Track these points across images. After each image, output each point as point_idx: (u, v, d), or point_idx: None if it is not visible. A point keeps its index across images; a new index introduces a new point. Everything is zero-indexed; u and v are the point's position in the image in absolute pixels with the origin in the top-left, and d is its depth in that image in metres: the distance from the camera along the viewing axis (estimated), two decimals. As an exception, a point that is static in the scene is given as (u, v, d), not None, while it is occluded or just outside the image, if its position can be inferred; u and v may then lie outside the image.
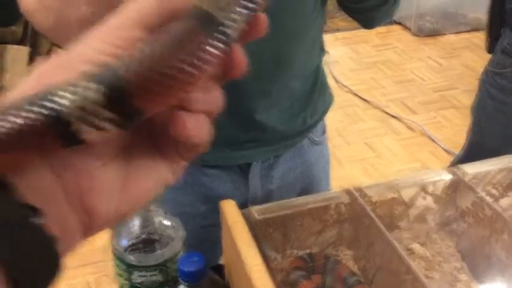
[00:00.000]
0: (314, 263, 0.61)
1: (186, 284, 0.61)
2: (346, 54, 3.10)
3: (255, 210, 0.61)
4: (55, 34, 0.62)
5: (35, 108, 0.21)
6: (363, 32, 2.88)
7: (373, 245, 0.59)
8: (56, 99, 0.22)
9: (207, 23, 0.24)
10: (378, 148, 2.34)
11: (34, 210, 0.23)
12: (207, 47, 0.23)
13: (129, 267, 0.63)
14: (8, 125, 0.21)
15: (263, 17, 0.26)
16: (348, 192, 0.62)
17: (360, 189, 0.62)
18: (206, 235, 0.83)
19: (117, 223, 0.30)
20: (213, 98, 0.27)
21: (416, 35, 3.25)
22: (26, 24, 2.27)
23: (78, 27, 0.56)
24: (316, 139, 0.94)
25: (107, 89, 0.22)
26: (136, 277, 0.63)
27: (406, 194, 0.65)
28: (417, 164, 2.24)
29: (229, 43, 0.25)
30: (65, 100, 0.22)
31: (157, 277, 0.64)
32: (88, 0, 0.52)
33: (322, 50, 0.90)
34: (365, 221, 0.60)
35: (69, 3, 0.54)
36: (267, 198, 0.88)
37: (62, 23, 0.57)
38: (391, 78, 2.87)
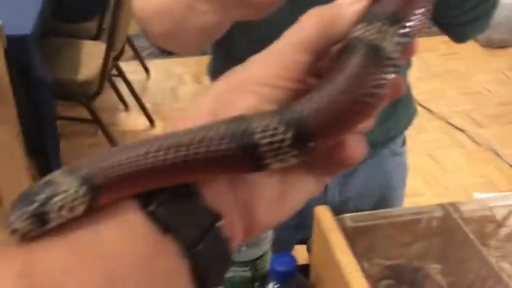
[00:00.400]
0: (403, 274, 0.62)
1: (275, 282, 0.63)
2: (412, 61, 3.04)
3: (348, 218, 0.62)
4: (167, 41, 0.63)
5: (238, 141, 0.25)
6: (429, 40, 2.82)
7: (466, 261, 0.59)
8: (253, 135, 0.25)
9: (377, 56, 0.26)
10: (441, 160, 2.29)
11: (217, 215, 0.26)
12: (382, 80, 0.25)
13: (222, 262, 0.66)
14: (211, 149, 0.25)
15: (415, 42, 0.28)
16: (442, 206, 0.63)
17: (453, 205, 0.63)
18: (281, 236, 0.85)
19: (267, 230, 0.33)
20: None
21: (485, 46, 3.15)
22: (101, 21, 2.39)
23: (196, 36, 0.58)
24: (397, 150, 0.94)
25: (294, 131, 0.24)
26: (228, 272, 0.66)
27: (499, 212, 0.65)
28: (482, 179, 2.18)
29: (398, 71, 0.26)
30: (259, 136, 0.25)
31: (247, 273, 0.67)
32: (216, 10, 0.53)
33: (408, 61, 0.90)
34: (458, 236, 0.60)
35: (192, 11, 0.54)
36: (343, 205, 0.89)
37: (179, 30, 0.57)
38: (457, 89, 2.80)
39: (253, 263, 0.67)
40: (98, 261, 0.23)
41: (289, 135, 0.24)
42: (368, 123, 0.29)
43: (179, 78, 2.93)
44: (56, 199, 0.24)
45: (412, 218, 0.63)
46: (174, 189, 0.25)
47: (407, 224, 0.63)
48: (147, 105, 2.56)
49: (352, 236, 0.64)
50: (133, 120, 2.57)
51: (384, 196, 0.94)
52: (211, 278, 0.26)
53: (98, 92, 2.01)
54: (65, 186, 0.25)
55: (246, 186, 0.27)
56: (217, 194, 0.26)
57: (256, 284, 0.65)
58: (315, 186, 0.30)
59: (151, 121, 2.53)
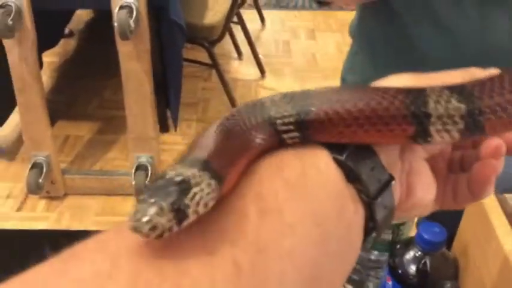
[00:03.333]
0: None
1: (420, 249, 0.62)
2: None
3: (510, 198, 0.60)
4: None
5: (412, 107, 0.26)
6: None
7: None
8: (428, 102, 0.26)
9: None
10: None
11: (392, 176, 0.29)
12: None
13: (366, 221, 0.66)
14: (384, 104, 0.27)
15: None
16: None
17: None
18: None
19: (410, 216, 0.36)
20: None
21: None
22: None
23: None
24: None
25: (467, 104, 0.26)
26: (369, 231, 0.67)
27: None
28: None
29: None
30: (432, 104, 0.26)
31: (388, 236, 0.67)
32: None
33: None
34: None
35: None
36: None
37: None
38: None
39: (396, 227, 0.66)
40: (305, 197, 0.26)
41: (462, 106, 0.26)
42: None
43: (293, 32, 2.91)
44: (192, 193, 0.23)
45: None
46: (356, 147, 0.27)
47: None
48: (259, 55, 2.58)
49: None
50: (245, 70, 2.61)
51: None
52: (378, 232, 0.29)
53: (220, 38, 2.05)
54: (196, 179, 0.23)
55: (411, 160, 0.30)
56: (391, 160, 0.29)
57: (398, 247, 0.65)
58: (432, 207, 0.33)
59: (262, 72, 2.56)
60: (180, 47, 1.76)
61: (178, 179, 0.23)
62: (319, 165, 0.26)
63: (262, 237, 0.24)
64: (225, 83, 2.20)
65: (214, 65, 2.15)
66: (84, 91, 2.35)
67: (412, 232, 0.68)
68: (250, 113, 0.28)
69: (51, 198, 1.83)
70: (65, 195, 1.85)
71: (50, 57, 2.44)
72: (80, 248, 0.23)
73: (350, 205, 0.27)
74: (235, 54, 2.66)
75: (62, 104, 2.23)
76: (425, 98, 0.26)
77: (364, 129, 0.26)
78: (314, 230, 0.25)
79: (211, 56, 2.11)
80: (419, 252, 0.62)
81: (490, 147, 0.30)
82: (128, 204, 1.82)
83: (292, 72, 2.61)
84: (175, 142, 2.12)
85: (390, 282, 0.64)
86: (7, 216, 1.76)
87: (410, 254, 0.63)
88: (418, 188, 0.31)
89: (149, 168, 1.78)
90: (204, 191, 0.23)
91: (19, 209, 1.80)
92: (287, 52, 2.76)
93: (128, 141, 1.86)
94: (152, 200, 0.22)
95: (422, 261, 0.62)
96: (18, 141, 2.03)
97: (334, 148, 0.27)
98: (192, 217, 0.23)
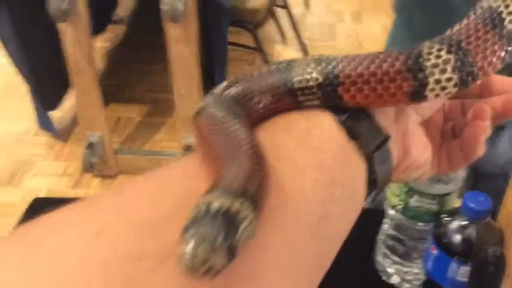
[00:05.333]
0: None
1: (465, 218, 0.63)
2: None
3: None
4: None
5: (410, 64, 0.28)
6: None
7: None
8: (421, 57, 0.28)
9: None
10: None
11: (388, 136, 0.31)
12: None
13: (411, 191, 0.67)
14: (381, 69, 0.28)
15: None
16: None
17: None
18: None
19: (409, 177, 0.37)
20: None
21: None
22: None
23: None
24: None
25: (456, 55, 0.28)
26: (414, 201, 0.68)
27: None
28: None
29: None
30: (429, 63, 0.28)
31: (434, 206, 0.68)
32: None
33: None
34: None
35: None
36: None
37: None
38: None
39: (441, 198, 0.67)
40: (312, 149, 0.28)
41: (452, 58, 0.28)
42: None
43: (338, 15, 2.88)
44: (241, 229, 0.22)
45: None
46: (355, 110, 0.30)
47: None
48: (304, 39, 2.58)
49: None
50: (289, 53, 2.61)
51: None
52: (380, 187, 0.32)
53: (264, 21, 2.07)
54: (242, 213, 0.22)
55: (406, 124, 0.33)
56: (386, 123, 0.31)
57: (443, 216, 0.66)
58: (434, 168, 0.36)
59: (306, 55, 2.55)
60: (225, 29, 1.79)
61: (221, 210, 0.22)
62: (323, 124, 0.30)
63: (279, 178, 0.26)
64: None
65: (259, 48, 2.17)
66: (134, 75, 2.43)
67: (458, 204, 0.68)
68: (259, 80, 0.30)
69: (104, 176, 1.92)
70: (117, 174, 1.93)
71: (101, 43, 2.53)
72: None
73: (352, 158, 0.30)
74: (279, 38, 2.67)
75: (113, 87, 2.31)
76: (420, 52, 0.28)
77: (369, 88, 0.29)
78: (322, 175, 0.28)
79: (256, 39, 2.13)
80: (465, 222, 0.63)
81: (476, 109, 0.34)
82: (176, 184, 1.88)
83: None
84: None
85: (435, 251, 0.65)
86: (63, 193, 1.86)
87: (455, 224, 0.63)
88: (413, 148, 0.33)
89: (196, 148, 1.83)
90: (251, 223, 0.22)
91: (74, 187, 1.89)
92: (331, 35, 2.75)
93: (175, 122, 1.92)
94: (202, 236, 0.21)
95: (468, 230, 0.62)
96: (72, 123, 2.14)
97: (335, 111, 0.30)
98: (242, 251, 0.22)
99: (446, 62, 0.28)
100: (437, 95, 0.28)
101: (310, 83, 0.29)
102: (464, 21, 0.29)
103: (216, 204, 0.22)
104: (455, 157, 0.36)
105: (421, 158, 0.34)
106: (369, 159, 0.30)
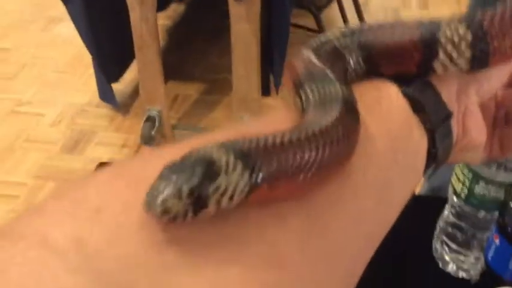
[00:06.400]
0: None
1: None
2: None
3: None
4: None
5: (421, 28, 0.29)
6: None
7: None
8: (439, 32, 0.29)
9: None
10: None
11: (451, 113, 0.31)
12: None
13: (477, 177, 0.65)
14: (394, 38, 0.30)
15: None
16: None
17: None
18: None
19: (464, 158, 0.38)
20: None
21: None
22: None
23: None
24: None
25: (472, 29, 0.28)
26: (480, 188, 0.66)
27: None
28: None
29: None
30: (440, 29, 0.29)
31: (499, 195, 0.65)
32: None
33: None
34: None
35: None
36: None
37: None
38: None
39: (508, 187, 0.65)
40: (381, 117, 0.30)
41: (469, 35, 0.28)
42: None
43: (404, 0, 2.80)
44: (218, 182, 0.20)
45: None
46: (421, 83, 0.31)
47: None
48: (367, 24, 2.52)
49: None
50: (350, 38, 2.56)
51: None
52: (439, 163, 0.32)
53: (328, 3, 2.04)
54: (229, 167, 0.20)
55: (466, 103, 0.33)
56: (450, 97, 0.32)
57: (510, 205, 0.63)
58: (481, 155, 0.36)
59: (368, 41, 2.50)
60: (289, 10, 1.78)
61: (207, 161, 0.20)
62: (392, 95, 0.31)
63: None
64: (329, 49, 2.19)
65: (321, 31, 2.14)
66: (193, 53, 2.47)
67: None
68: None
69: (161, 150, 1.98)
70: (173, 148, 1.98)
71: (163, 20, 2.58)
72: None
73: (416, 130, 0.30)
74: (341, 22, 2.63)
75: (172, 64, 2.36)
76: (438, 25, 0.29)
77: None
78: (389, 142, 0.29)
79: (318, 22, 2.10)
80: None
81: None
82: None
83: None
84: (276, 105, 2.17)
85: (497, 240, 0.63)
86: (122, 164, 1.93)
87: (522, 213, 0.61)
88: (473, 128, 0.34)
89: (251, 128, 1.85)
90: (233, 182, 0.20)
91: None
92: (395, 21, 2.67)
93: (231, 102, 1.94)
94: (174, 179, 0.20)
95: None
96: (132, 96, 2.21)
97: (403, 82, 0.31)
98: (211, 208, 0.20)
99: (462, 37, 0.28)
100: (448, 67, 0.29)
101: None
102: (493, 10, 0.29)
103: (203, 153, 0.21)
104: (507, 143, 0.37)
105: (477, 138, 0.35)
106: (432, 134, 0.31)
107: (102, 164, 0.97)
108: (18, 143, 2.00)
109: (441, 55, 0.29)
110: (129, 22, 1.71)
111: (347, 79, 0.30)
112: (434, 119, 0.31)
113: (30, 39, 2.55)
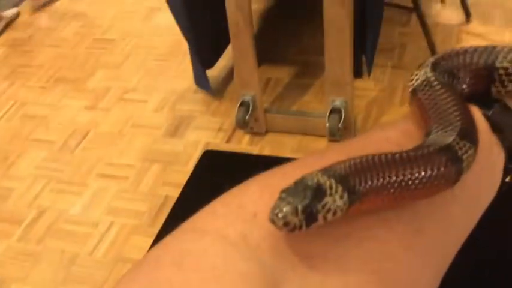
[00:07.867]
0: None
1: None
2: None
3: None
4: None
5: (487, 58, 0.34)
6: None
7: None
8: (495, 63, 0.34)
9: None
10: None
11: None
12: None
13: None
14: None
15: None
16: None
17: None
18: None
19: None
20: None
21: None
22: None
23: None
24: None
25: None
26: None
27: None
28: None
29: None
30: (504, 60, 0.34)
31: None
32: None
33: None
34: None
35: None
36: None
37: None
38: None
39: None
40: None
41: None
42: None
43: (508, -30, 2.59)
44: (324, 202, 0.26)
45: None
46: (500, 107, 0.35)
47: None
48: (466, -3, 2.38)
49: None
50: (448, 14, 2.44)
51: None
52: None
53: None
54: (330, 190, 0.27)
55: None
56: None
57: None
58: None
59: (467, 15, 2.36)
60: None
61: (315, 185, 0.27)
62: (476, 117, 0.34)
63: None
64: (425, 27, 2.11)
65: (416, 8, 2.07)
66: (285, 36, 2.50)
67: None
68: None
69: (254, 133, 2.05)
70: (266, 131, 2.04)
71: (256, 5, 2.63)
72: None
73: (495, 148, 0.35)
74: (438, -2, 2.51)
75: (265, 48, 2.41)
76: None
77: None
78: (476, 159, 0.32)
79: (414, -1, 2.03)
80: None
81: None
82: (320, 144, 1.94)
83: (504, 15, 2.36)
84: (368, 88, 2.14)
85: None
86: (218, 147, 2.03)
87: None
88: None
89: (342, 112, 1.85)
90: (336, 202, 0.27)
91: (228, 141, 2.06)
92: (498, -8, 2.49)
93: (323, 85, 1.95)
94: (290, 200, 0.26)
95: None
96: (226, 82, 2.29)
97: (483, 106, 0.35)
98: (320, 222, 0.27)
99: None
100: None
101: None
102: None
103: (311, 180, 0.27)
104: None
105: None
106: (509, 151, 0.35)
107: (207, 152, 1.04)
108: (126, 128, 2.17)
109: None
110: (224, 10, 1.78)
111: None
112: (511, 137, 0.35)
113: (133, 30, 2.73)
